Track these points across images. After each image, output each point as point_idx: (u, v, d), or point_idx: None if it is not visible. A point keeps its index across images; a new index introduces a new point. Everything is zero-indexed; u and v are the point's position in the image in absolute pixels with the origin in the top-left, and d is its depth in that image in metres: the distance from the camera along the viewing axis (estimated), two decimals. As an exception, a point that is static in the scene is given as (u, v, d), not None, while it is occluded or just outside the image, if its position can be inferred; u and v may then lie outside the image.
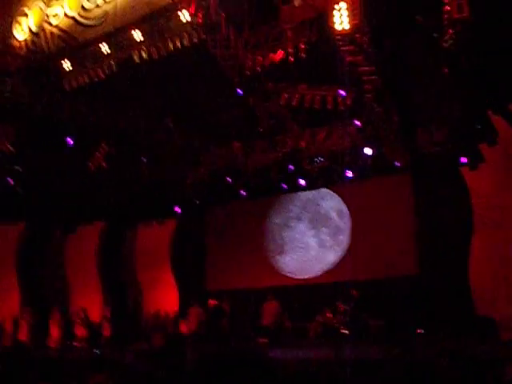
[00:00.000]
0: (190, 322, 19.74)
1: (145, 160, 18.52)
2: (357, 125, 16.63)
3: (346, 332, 17.30)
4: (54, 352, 16.38)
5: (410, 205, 19.02)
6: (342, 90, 14.85)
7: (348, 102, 15.33)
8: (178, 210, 21.50)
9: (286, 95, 15.65)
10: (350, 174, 18.62)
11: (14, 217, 20.36)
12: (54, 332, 19.76)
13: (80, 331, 19.98)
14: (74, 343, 19.59)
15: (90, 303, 21.16)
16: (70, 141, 16.79)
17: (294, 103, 15.74)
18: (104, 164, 17.81)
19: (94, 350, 17.17)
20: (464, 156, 16.46)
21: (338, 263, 20.43)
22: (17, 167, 17.52)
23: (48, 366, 5.86)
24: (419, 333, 15.55)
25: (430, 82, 14.28)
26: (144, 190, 19.47)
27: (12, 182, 17.99)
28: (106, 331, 20.39)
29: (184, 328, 19.77)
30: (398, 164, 17.53)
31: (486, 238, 16.44)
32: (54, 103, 15.70)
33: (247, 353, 1.46)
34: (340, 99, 15.16)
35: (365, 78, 13.97)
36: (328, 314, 17.84)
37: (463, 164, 16.62)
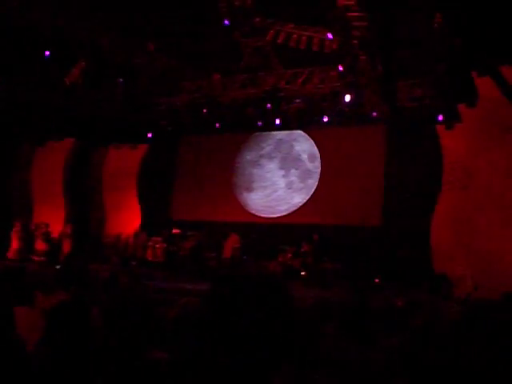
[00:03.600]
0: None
1: (122, 82, 18.18)
2: (339, 70, 16.48)
3: (304, 274, 17.59)
4: (14, 263, 16.29)
5: (382, 156, 19.14)
6: (330, 33, 14.67)
7: (334, 47, 15.20)
8: (150, 135, 21.28)
9: (272, 32, 15.44)
10: (326, 118, 18.55)
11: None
12: (15, 244, 19.70)
13: (40, 245, 19.96)
14: (34, 257, 19.57)
15: (53, 219, 21.06)
16: (47, 53, 16.33)
17: (279, 41, 15.56)
18: (80, 81, 17.41)
19: (56, 267, 17.11)
20: (441, 114, 16.51)
21: (304, 206, 20.57)
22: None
23: (11, 276, 5.80)
24: (376, 282, 15.82)
25: (418, 37, 14.17)
26: (118, 111, 19.18)
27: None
28: (66, 247, 20.39)
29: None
30: (375, 114, 17.53)
31: (451, 198, 16.69)
32: (31, 13, 15.17)
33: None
34: (327, 42, 15.01)
35: (354, 23, 13.81)
36: (289, 255, 18.06)
37: (439, 122, 16.67)
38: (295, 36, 15.25)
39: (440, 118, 16.55)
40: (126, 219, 22.47)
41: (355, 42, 14.44)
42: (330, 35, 14.64)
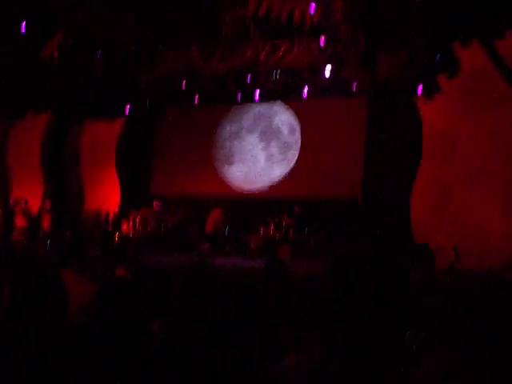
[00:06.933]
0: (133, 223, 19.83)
1: (100, 55, 17.87)
2: (320, 42, 16.39)
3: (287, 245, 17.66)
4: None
5: (362, 128, 19.16)
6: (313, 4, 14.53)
7: (315, 18, 15.06)
8: (127, 108, 21.02)
9: (254, 3, 15.24)
10: (306, 90, 18.48)
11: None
12: (-6, 220, 19.47)
13: (20, 222, 19.70)
14: (13, 235, 19.19)
15: (31, 195, 20.79)
16: (24, 27, 15.99)
17: (260, 12, 15.37)
18: (56, 54, 17.09)
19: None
20: (420, 85, 16.50)
21: (284, 179, 20.58)
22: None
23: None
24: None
25: (401, 7, 14.13)
26: (95, 85, 18.90)
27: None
28: (46, 223, 20.20)
29: (125, 228, 19.83)
30: (356, 85, 17.50)
31: (432, 169, 16.81)
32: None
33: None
34: (308, 14, 14.86)
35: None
36: (271, 228, 18.11)
37: (419, 93, 16.68)
38: (277, 7, 15.06)
39: (419, 88, 16.55)
40: (105, 194, 22.29)
41: (337, 13, 14.36)
42: (312, 7, 14.51)
